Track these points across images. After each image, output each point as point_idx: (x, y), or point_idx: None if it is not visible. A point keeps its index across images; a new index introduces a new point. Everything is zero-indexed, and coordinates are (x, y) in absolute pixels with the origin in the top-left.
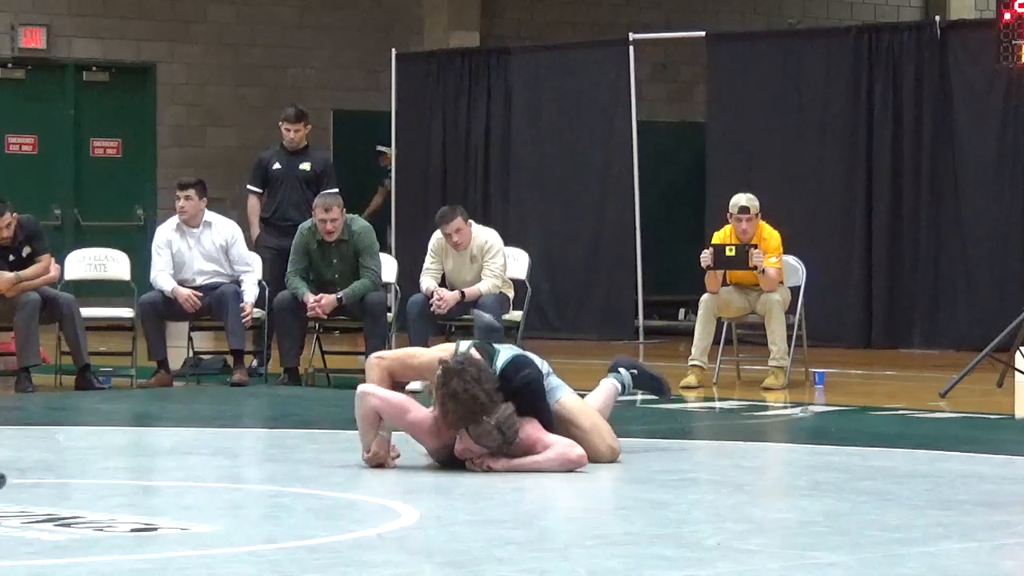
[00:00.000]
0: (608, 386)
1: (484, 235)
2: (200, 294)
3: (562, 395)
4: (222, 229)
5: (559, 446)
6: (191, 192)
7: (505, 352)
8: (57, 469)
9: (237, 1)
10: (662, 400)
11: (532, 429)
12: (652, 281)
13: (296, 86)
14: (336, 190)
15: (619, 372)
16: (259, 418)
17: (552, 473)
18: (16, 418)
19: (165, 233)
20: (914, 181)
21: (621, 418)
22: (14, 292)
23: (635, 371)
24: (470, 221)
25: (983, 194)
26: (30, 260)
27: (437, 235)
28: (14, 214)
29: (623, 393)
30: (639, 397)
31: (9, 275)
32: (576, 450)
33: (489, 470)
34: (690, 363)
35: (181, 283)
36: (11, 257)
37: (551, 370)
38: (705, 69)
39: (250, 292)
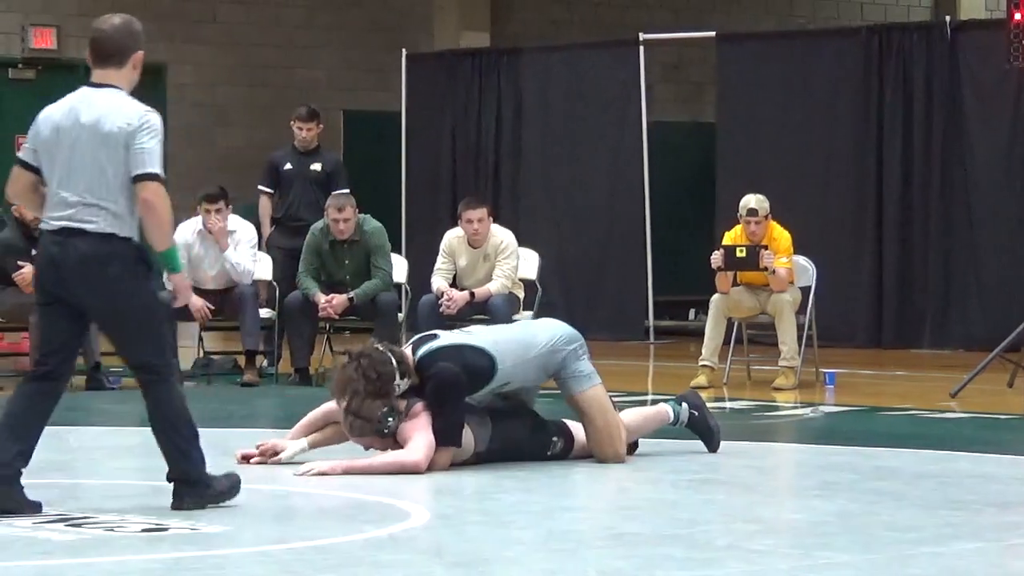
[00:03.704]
0: (660, 409)
1: (501, 235)
2: (212, 306)
3: (588, 387)
4: (240, 233)
5: (397, 452)
6: (221, 205)
7: (447, 341)
8: (68, 469)
9: (247, 1)
10: (708, 449)
11: (411, 428)
12: (662, 281)
13: (306, 86)
14: (347, 190)
15: (680, 405)
16: (269, 418)
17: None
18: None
19: (184, 234)
20: (924, 181)
21: None
22: (32, 289)
23: (696, 412)
24: (491, 218)
25: (993, 194)
26: None
27: (449, 235)
28: None
29: (673, 424)
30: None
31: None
32: (410, 457)
33: (323, 474)
34: (700, 363)
35: (195, 282)
36: (33, 251)
37: (581, 352)
38: (715, 69)
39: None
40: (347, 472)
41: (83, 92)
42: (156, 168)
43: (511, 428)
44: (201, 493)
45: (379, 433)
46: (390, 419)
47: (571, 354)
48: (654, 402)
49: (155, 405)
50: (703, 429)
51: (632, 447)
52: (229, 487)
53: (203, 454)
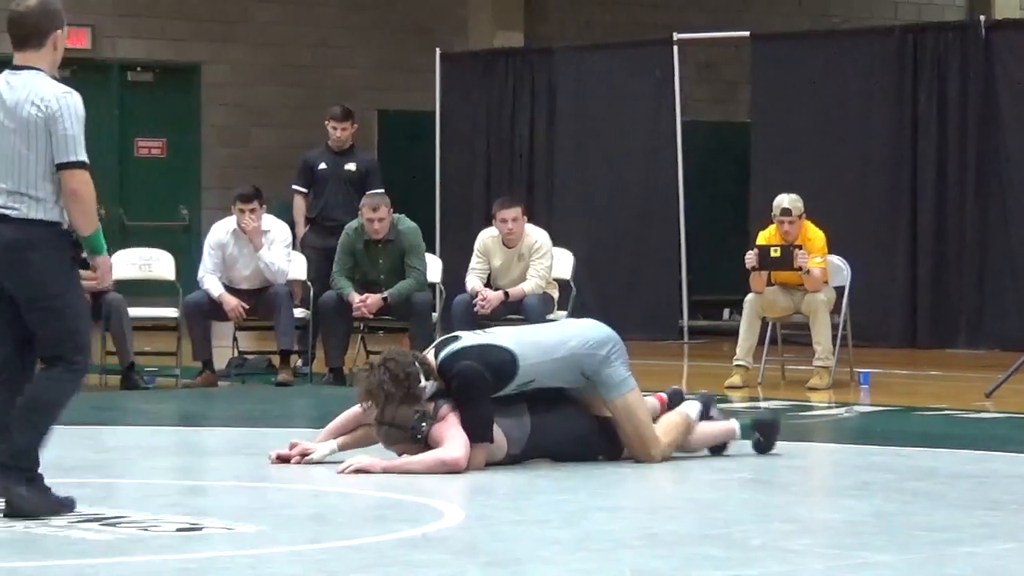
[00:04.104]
0: (729, 427)
1: (536, 235)
2: (246, 305)
3: (618, 395)
4: (274, 233)
5: (437, 450)
6: (255, 205)
7: (468, 341)
8: (102, 469)
9: (281, 1)
10: (753, 449)
11: (443, 428)
12: (697, 281)
13: (340, 86)
14: (382, 190)
15: (753, 433)
16: (304, 418)
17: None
18: (61, 418)
19: (219, 234)
20: (959, 180)
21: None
22: None
23: (762, 439)
24: (525, 217)
25: None
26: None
27: (483, 235)
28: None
29: (737, 438)
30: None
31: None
32: (450, 454)
33: (363, 471)
34: (735, 363)
35: (229, 282)
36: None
37: (614, 358)
38: (749, 69)
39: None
40: (387, 471)
41: (3, 76)
42: (82, 155)
43: (553, 435)
44: (9, 479)
45: (413, 439)
46: (423, 424)
47: (603, 360)
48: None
49: (39, 385)
50: (759, 448)
51: (721, 448)
52: (49, 506)
53: (38, 459)
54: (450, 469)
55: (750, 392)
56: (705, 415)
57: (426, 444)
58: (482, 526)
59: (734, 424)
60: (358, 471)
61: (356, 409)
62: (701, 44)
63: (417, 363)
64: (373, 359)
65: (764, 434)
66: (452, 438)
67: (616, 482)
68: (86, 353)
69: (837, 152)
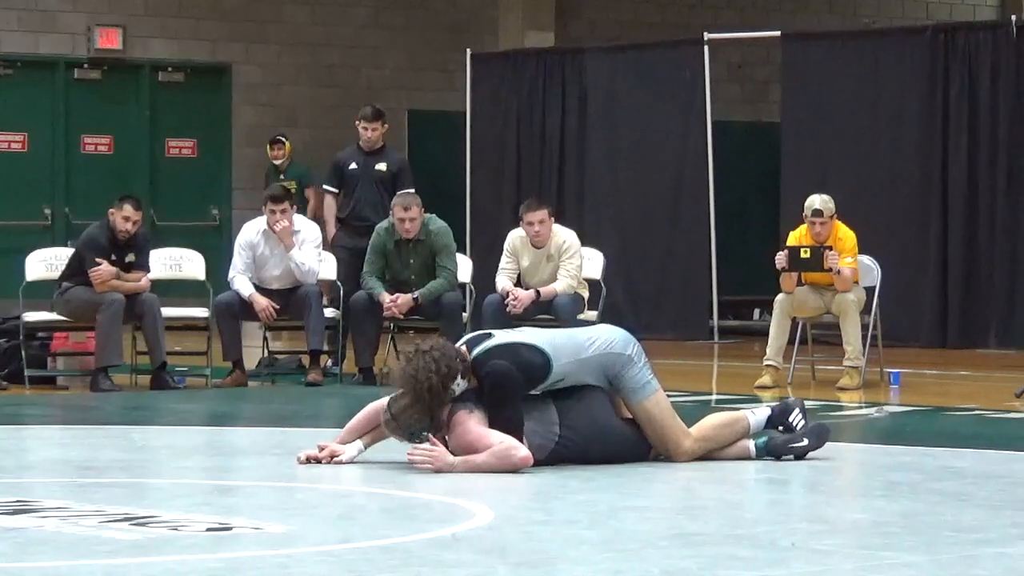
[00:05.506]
0: (743, 447)
1: (564, 235)
2: (276, 306)
3: (640, 399)
4: (305, 233)
5: (501, 446)
6: (286, 206)
7: (501, 339)
8: (132, 469)
9: (312, 2)
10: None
11: (475, 427)
12: (727, 281)
13: (371, 86)
14: (413, 190)
15: (767, 455)
16: (333, 418)
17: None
18: (92, 418)
19: (249, 233)
20: (990, 180)
21: (698, 416)
22: (106, 288)
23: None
24: (552, 219)
25: None
26: (128, 269)
27: (513, 235)
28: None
29: (752, 458)
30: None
31: (113, 269)
32: (520, 452)
33: (431, 468)
34: (765, 363)
35: (259, 282)
36: (113, 256)
37: (637, 358)
38: (780, 69)
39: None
40: (454, 470)
41: None
42: None
43: (582, 447)
44: None
45: (408, 439)
46: (423, 432)
47: (627, 360)
48: (719, 402)
49: None
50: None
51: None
52: None
53: None
54: (519, 466)
55: (780, 392)
56: (781, 421)
57: (445, 442)
58: (511, 526)
59: (749, 444)
60: (427, 460)
61: (372, 407)
62: (732, 44)
63: (459, 359)
64: (422, 345)
65: (771, 453)
66: (494, 435)
67: (644, 482)
68: None
69: (868, 152)
